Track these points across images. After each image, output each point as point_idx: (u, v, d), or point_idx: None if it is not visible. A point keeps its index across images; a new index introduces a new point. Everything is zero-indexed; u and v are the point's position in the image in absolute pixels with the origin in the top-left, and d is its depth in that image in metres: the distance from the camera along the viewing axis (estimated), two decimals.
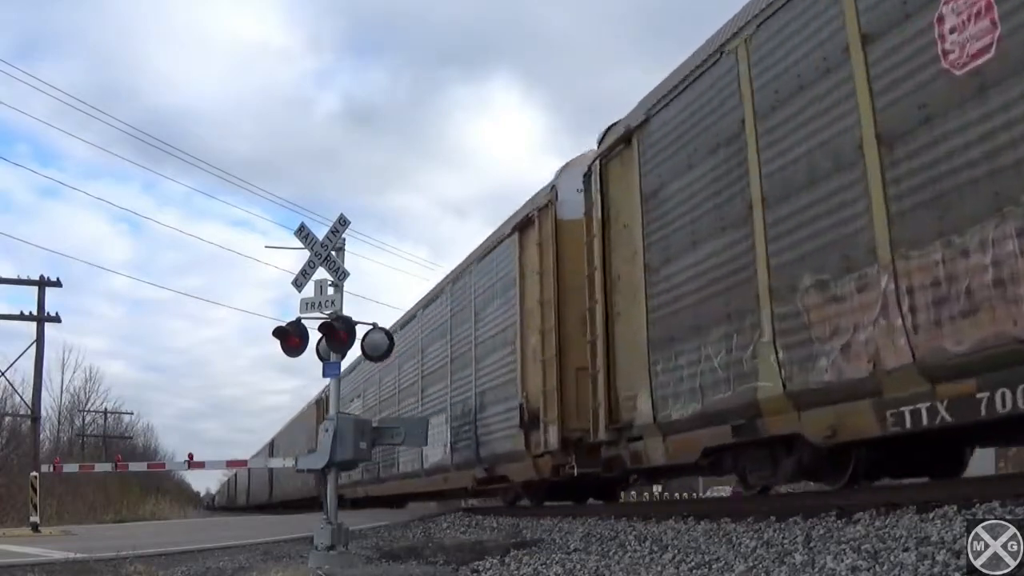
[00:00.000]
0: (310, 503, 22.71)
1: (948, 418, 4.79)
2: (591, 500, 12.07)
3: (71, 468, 21.13)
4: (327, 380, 8.02)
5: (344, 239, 7.70)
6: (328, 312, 7.52)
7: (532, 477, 10.83)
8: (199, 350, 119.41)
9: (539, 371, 10.04)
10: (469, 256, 13.36)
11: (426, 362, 15.05)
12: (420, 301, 16.15)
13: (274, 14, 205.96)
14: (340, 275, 7.59)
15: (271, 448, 36.32)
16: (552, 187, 10.42)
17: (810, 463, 6.36)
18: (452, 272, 14.42)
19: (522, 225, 11.00)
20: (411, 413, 15.35)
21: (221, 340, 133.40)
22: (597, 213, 8.76)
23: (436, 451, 13.94)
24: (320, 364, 7.72)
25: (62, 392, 43.68)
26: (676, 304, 7.27)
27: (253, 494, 41.99)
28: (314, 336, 7.56)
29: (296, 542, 8.95)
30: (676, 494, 24.36)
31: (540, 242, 10.29)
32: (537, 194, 10.87)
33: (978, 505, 4.44)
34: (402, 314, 17.71)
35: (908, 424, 5.04)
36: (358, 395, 20.59)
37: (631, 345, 7.99)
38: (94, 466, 23.21)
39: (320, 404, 23.52)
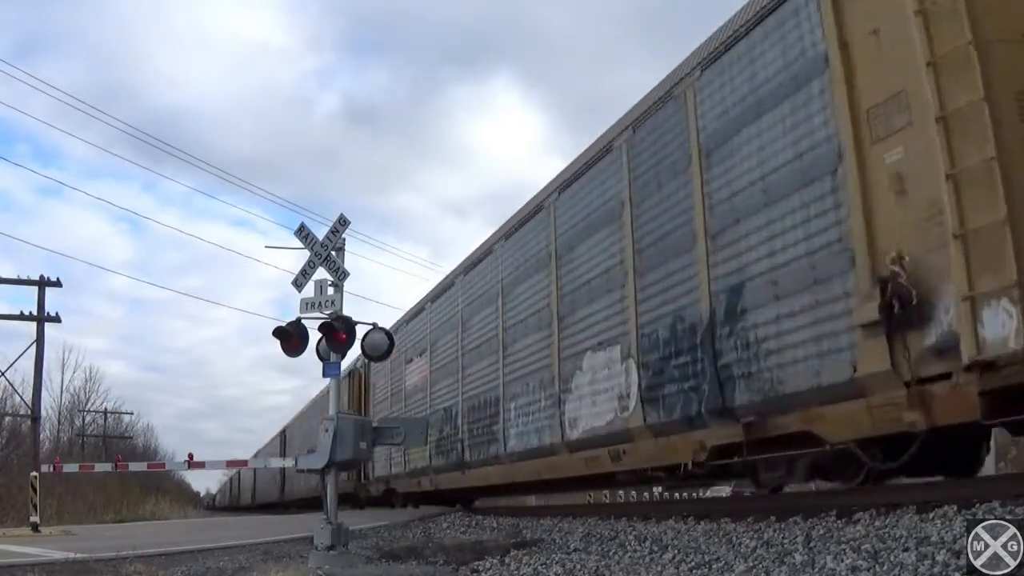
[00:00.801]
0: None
1: None
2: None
3: (71, 468, 21.08)
4: (348, 360, 7.93)
5: (344, 239, 7.72)
6: (328, 312, 7.53)
7: (899, 425, 5.22)
8: (199, 350, 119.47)
9: (933, 204, 4.87)
10: (680, 67, 7.81)
11: (565, 275, 9.78)
12: (549, 185, 10.73)
13: (274, 14, 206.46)
14: (340, 275, 7.61)
15: (283, 439, 33.30)
16: None
17: None
18: (631, 112, 8.66)
19: None
20: (535, 359, 10.40)
21: (221, 340, 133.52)
22: None
23: (597, 409, 8.85)
24: (320, 364, 7.74)
25: (62, 392, 43.78)
26: None
27: (260, 492, 40.00)
28: (314, 336, 7.58)
29: (296, 542, 8.95)
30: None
31: None
32: None
33: (978, 505, 4.45)
34: (511, 216, 11.97)
35: None
36: (420, 352, 15.03)
37: None
38: (94, 466, 23.15)
39: (352, 376, 19.18)
